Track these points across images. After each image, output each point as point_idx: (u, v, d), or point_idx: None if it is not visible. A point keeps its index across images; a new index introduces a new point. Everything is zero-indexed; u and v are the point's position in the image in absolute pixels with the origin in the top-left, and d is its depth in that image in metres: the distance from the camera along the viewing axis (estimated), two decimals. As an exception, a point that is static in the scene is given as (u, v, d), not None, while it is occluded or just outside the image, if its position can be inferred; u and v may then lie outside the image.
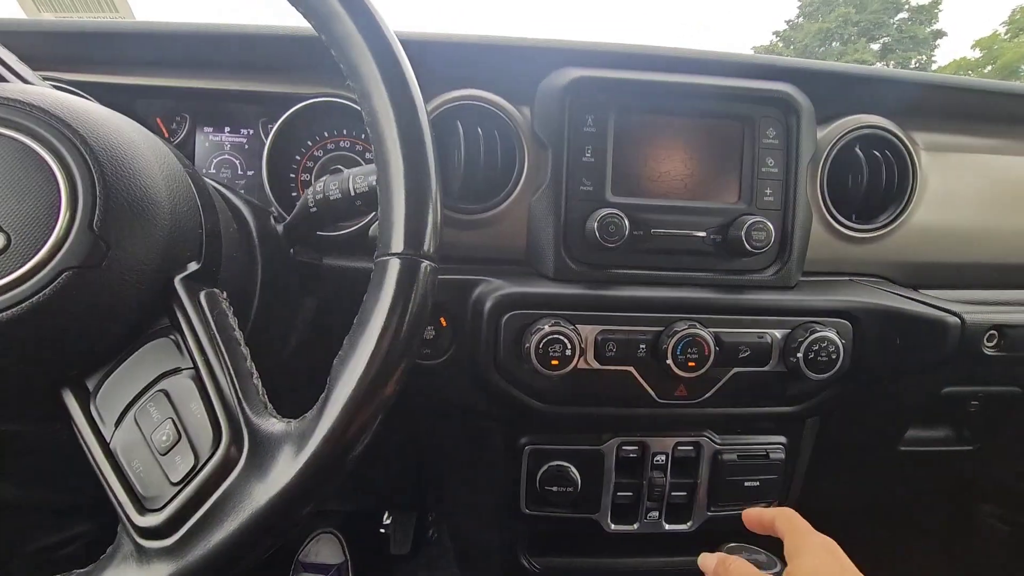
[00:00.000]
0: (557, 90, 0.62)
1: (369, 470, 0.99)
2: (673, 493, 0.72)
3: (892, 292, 0.68)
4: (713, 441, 0.71)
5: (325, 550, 1.18)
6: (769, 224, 0.63)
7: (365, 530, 1.29)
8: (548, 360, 0.59)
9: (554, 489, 0.69)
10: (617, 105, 0.64)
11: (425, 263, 0.40)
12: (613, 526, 0.72)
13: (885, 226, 0.69)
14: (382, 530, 1.31)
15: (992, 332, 0.67)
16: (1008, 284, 0.74)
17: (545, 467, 0.69)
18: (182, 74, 0.68)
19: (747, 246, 0.63)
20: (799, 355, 0.62)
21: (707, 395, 0.65)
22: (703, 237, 0.65)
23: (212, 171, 0.72)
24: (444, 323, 0.64)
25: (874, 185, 0.68)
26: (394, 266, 0.39)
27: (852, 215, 0.70)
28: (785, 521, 0.56)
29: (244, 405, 0.37)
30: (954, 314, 0.66)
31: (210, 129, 0.73)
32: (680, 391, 0.65)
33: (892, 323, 0.66)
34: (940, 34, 26.79)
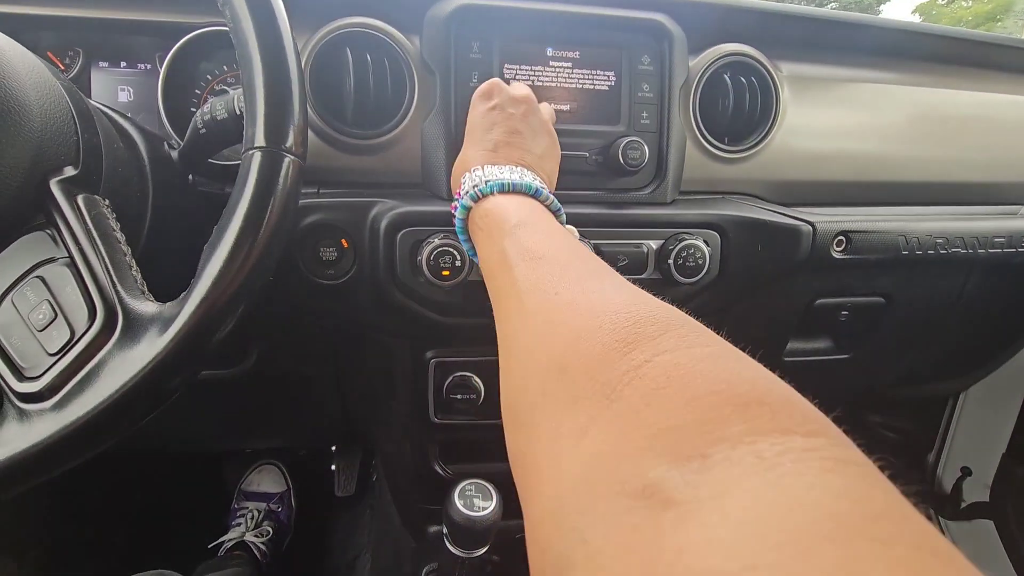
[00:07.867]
0: (442, 19, 0.66)
1: (301, 407, 1.03)
2: (570, 398, 0.79)
3: (757, 207, 0.76)
4: (604, 348, 0.78)
5: (267, 480, 1.23)
6: (644, 143, 0.68)
7: (312, 468, 1.34)
8: (439, 271, 0.64)
9: (459, 397, 0.74)
10: (501, 33, 0.67)
11: (288, 157, 0.43)
12: (517, 430, 0.79)
13: (752, 147, 0.76)
14: (333, 467, 1.36)
15: (840, 237, 0.75)
16: (861, 201, 0.83)
17: (450, 378, 0.75)
18: (70, 4, 0.67)
19: (624, 164, 0.68)
20: (670, 261, 0.69)
21: (591, 302, 0.71)
22: (586, 157, 0.70)
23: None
24: (346, 244, 0.68)
25: (742, 110, 0.75)
26: (256, 159, 0.42)
27: (725, 138, 0.77)
28: None
29: (119, 288, 0.41)
30: (807, 222, 0.74)
31: (105, 64, 0.73)
32: (566, 299, 0.71)
33: (754, 232, 0.73)
34: None
